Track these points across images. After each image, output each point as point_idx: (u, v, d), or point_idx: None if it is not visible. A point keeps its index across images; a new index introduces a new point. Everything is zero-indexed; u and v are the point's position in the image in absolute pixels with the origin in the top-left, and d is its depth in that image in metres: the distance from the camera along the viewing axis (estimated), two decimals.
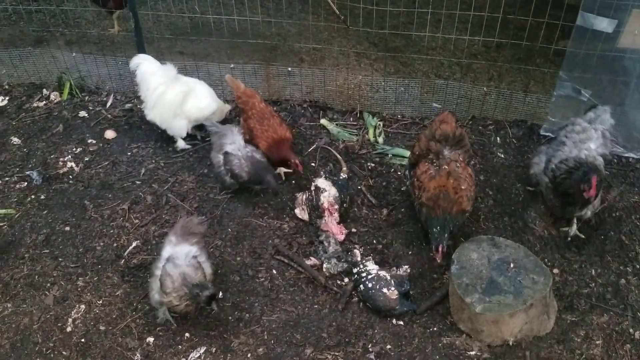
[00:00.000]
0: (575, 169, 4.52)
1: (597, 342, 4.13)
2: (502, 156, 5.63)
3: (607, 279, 4.55)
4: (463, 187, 4.38)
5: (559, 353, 4.06)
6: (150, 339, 4.13)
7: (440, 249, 4.34)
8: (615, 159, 5.55)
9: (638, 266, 4.63)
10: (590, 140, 4.71)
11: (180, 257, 4.03)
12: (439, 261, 4.45)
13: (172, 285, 3.92)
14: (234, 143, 5.05)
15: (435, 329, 4.23)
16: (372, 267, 4.39)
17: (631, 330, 4.20)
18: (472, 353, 4.06)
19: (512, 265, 4.19)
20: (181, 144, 5.61)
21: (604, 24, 4.93)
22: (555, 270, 4.57)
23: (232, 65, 6.21)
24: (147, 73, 5.43)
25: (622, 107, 5.40)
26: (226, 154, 5.00)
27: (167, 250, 4.12)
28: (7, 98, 6.32)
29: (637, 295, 4.42)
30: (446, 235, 4.36)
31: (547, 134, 5.73)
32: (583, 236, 4.81)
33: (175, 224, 4.33)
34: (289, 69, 6.31)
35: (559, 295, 4.40)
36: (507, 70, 6.59)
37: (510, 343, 4.06)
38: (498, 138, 5.83)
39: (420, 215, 4.57)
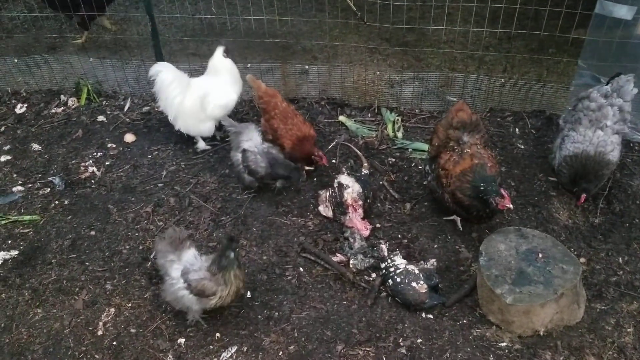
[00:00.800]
0: (577, 171, 4.71)
1: (629, 329, 4.12)
2: (522, 147, 5.62)
3: (634, 267, 4.53)
4: (489, 165, 4.48)
5: (591, 342, 4.05)
6: (182, 340, 4.14)
7: (505, 193, 4.34)
8: (636, 147, 5.54)
9: None
10: (606, 118, 4.74)
11: (194, 262, 4.06)
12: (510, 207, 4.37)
13: (213, 286, 3.94)
14: (250, 140, 5.07)
15: (465, 321, 4.23)
16: (400, 261, 4.40)
17: None
18: (503, 344, 4.05)
19: (540, 255, 4.18)
20: (202, 145, 5.63)
21: (623, 12, 4.92)
22: (582, 259, 4.55)
23: (248, 65, 6.22)
24: (164, 84, 5.43)
25: None
26: (244, 151, 5.02)
27: (176, 268, 4.05)
28: (26, 105, 6.37)
29: None
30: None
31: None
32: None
33: (159, 243, 4.15)
34: (306, 66, 6.32)
35: (587, 284, 4.39)
36: (520, 61, 6.58)
37: (541, 333, 4.06)
38: (517, 129, 5.82)
39: (448, 204, 4.60)
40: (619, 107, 4.78)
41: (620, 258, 4.60)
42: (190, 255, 4.10)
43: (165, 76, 5.41)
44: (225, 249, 3.94)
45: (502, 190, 4.33)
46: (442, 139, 4.72)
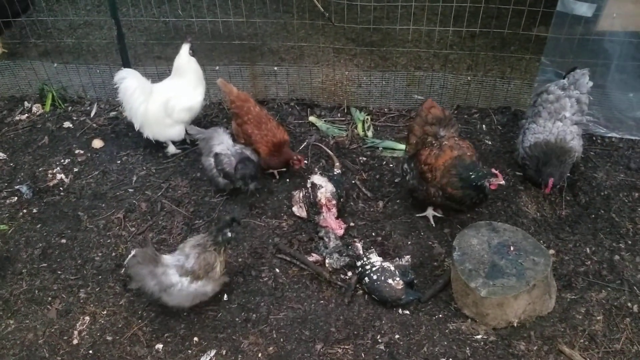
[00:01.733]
0: (539, 158, 4.82)
1: (598, 317, 4.24)
2: (490, 143, 5.73)
3: (601, 256, 4.67)
4: (468, 154, 4.58)
5: (562, 331, 4.15)
6: (159, 346, 4.11)
7: (496, 172, 4.47)
8: (599, 140, 5.71)
9: (630, 242, 4.77)
10: (564, 109, 4.91)
11: (184, 255, 4.13)
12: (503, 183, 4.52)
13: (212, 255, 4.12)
14: (222, 143, 5.06)
15: (440, 315, 4.29)
16: (375, 259, 4.44)
17: (629, 304, 4.32)
18: (479, 337, 4.13)
19: (512, 248, 4.28)
20: (172, 149, 5.59)
21: (584, 9, 5.07)
22: (551, 251, 4.66)
23: (216, 67, 6.19)
24: (127, 92, 5.34)
25: (604, 89, 5.56)
26: (216, 155, 5.00)
27: (172, 275, 4.06)
28: None
29: (632, 270, 4.55)
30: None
31: None
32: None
33: (132, 268, 4.08)
34: (275, 68, 6.32)
35: (557, 275, 4.50)
36: (484, 59, 6.69)
37: (515, 324, 4.15)
38: (484, 126, 5.94)
39: (435, 198, 4.67)
40: (576, 99, 4.95)
41: (587, 248, 4.73)
42: (175, 257, 4.14)
43: (129, 84, 5.32)
44: (224, 227, 4.13)
45: (492, 170, 4.47)
46: (419, 136, 4.81)
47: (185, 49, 5.39)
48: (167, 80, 5.54)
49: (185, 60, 5.39)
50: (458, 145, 4.62)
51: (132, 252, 4.02)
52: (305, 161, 5.39)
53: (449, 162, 4.54)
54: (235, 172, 4.92)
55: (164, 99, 5.36)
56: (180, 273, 4.07)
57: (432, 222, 4.94)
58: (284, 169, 5.35)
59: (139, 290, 4.17)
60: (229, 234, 4.16)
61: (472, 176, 4.43)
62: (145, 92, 5.36)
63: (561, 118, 4.87)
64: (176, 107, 5.37)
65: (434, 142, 4.72)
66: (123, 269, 4.60)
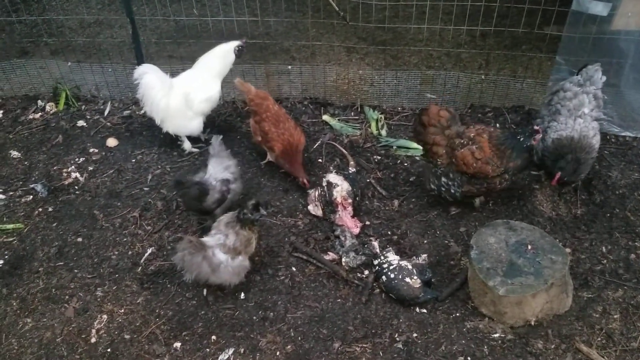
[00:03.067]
0: (558, 152, 4.82)
1: (615, 316, 4.24)
2: None
3: (617, 255, 4.67)
4: (492, 129, 4.80)
5: (580, 329, 4.16)
6: (177, 344, 4.12)
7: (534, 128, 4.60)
8: (613, 139, 5.71)
9: None
10: (583, 105, 4.89)
11: (223, 234, 4.27)
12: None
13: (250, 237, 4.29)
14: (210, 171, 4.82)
15: (458, 314, 4.30)
16: (393, 257, 4.45)
17: None
18: (496, 335, 4.13)
19: (530, 247, 4.28)
20: (188, 146, 5.60)
21: (599, 8, 5.06)
22: (567, 250, 4.65)
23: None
24: (148, 87, 5.34)
25: (618, 88, 5.55)
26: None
27: (219, 254, 4.20)
28: (2, 111, 6.25)
29: None
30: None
31: None
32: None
33: (184, 262, 4.17)
34: (289, 67, 6.33)
35: (573, 274, 4.49)
36: (495, 58, 6.69)
37: (532, 323, 4.15)
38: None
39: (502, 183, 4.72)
40: (593, 95, 4.93)
41: (603, 247, 4.73)
42: (211, 240, 4.25)
43: (150, 79, 5.32)
44: (245, 209, 4.25)
45: (529, 128, 4.60)
46: (445, 144, 4.72)
47: (234, 43, 5.47)
48: (187, 72, 5.57)
49: (228, 48, 5.45)
50: (480, 129, 4.70)
51: (178, 250, 4.12)
52: (319, 159, 5.40)
53: (493, 144, 4.60)
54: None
55: (184, 92, 5.38)
56: (224, 251, 4.19)
57: (478, 205, 5.04)
58: None
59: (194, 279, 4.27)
60: (251, 215, 4.25)
61: (522, 139, 4.56)
62: (165, 86, 5.36)
63: (581, 115, 4.85)
64: (196, 98, 5.39)
65: (462, 141, 4.68)
66: (140, 268, 4.63)
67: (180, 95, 5.39)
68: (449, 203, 5.03)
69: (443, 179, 4.81)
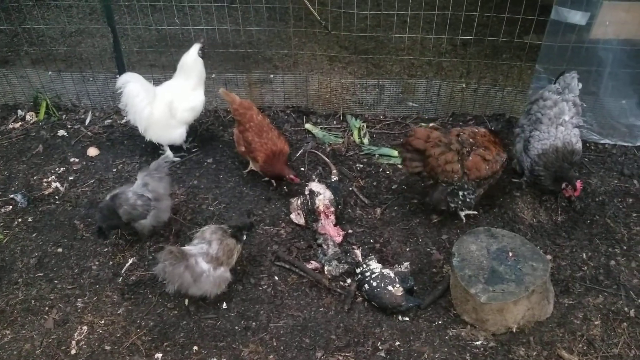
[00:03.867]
0: (552, 166, 4.83)
1: (596, 322, 4.27)
2: None
3: (598, 262, 4.70)
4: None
5: (561, 336, 4.18)
6: (159, 355, 4.08)
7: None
8: (592, 146, 5.77)
9: (625, 247, 4.81)
10: (563, 113, 4.93)
11: (206, 242, 4.28)
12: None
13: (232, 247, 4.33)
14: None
15: (440, 322, 4.31)
16: (375, 265, 4.45)
17: (626, 309, 4.35)
18: (479, 343, 4.14)
19: (511, 254, 4.30)
20: (170, 156, 5.57)
21: (577, 17, 5.13)
22: (548, 257, 4.69)
23: (213, 75, 6.19)
24: (131, 96, 5.31)
25: (597, 96, 5.62)
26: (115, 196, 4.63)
27: (201, 263, 4.19)
28: None
29: (627, 275, 4.59)
30: None
31: None
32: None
33: (166, 273, 4.15)
34: (271, 75, 6.34)
35: (554, 280, 4.52)
36: (476, 67, 6.74)
37: (514, 330, 4.17)
38: None
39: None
40: (572, 102, 4.98)
41: (584, 254, 4.76)
42: (193, 249, 4.25)
43: (133, 87, 5.29)
44: (243, 227, 4.39)
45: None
46: (456, 159, 4.67)
47: (195, 48, 5.41)
48: (170, 81, 5.54)
49: (192, 59, 5.40)
50: (471, 131, 4.83)
51: (159, 261, 4.10)
52: (302, 168, 5.41)
53: (494, 138, 4.83)
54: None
55: (168, 101, 5.36)
56: (206, 260, 4.18)
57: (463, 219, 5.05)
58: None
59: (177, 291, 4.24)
60: (244, 237, 4.42)
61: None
62: (149, 94, 5.34)
63: (562, 122, 4.89)
64: (179, 107, 5.38)
65: (467, 149, 4.70)
66: (120, 278, 4.59)
67: (164, 104, 5.36)
68: (430, 211, 5.08)
69: (460, 193, 4.79)
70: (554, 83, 5.11)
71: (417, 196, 5.26)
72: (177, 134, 5.48)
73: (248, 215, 4.46)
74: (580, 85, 5.03)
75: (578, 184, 4.80)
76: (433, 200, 4.89)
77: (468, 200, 4.82)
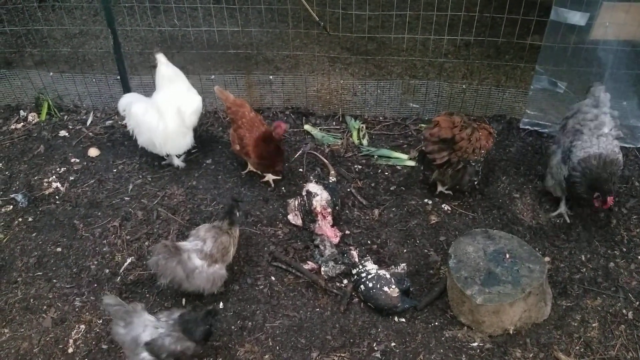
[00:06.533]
0: (591, 173, 4.70)
1: (594, 324, 4.26)
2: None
3: (596, 264, 4.68)
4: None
5: (558, 338, 4.17)
6: None
7: None
8: None
9: (624, 249, 4.78)
10: (604, 125, 4.84)
11: (201, 239, 4.31)
12: None
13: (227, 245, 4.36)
14: (147, 325, 3.81)
15: (436, 323, 4.30)
16: (371, 266, 4.45)
17: (624, 311, 4.33)
18: (475, 344, 4.14)
19: (507, 255, 4.29)
20: (178, 162, 5.56)
21: (577, 18, 5.10)
22: (547, 258, 4.67)
23: (212, 76, 6.21)
24: (140, 114, 5.28)
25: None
26: (148, 344, 3.76)
27: (195, 259, 4.22)
28: None
29: (626, 277, 4.57)
30: None
31: (526, 127, 5.89)
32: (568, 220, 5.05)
33: (159, 266, 4.12)
34: (270, 77, 6.35)
35: (552, 282, 4.51)
36: (479, 68, 6.73)
37: (511, 332, 4.16)
38: None
39: None
40: (610, 115, 4.89)
41: (582, 256, 4.74)
42: (187, 245, 4.29)
43: (139, 106, 5.27)
44: (233, 208, 4.41)
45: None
46: (481, 136, 4.93)
47: (161, 57, 5.34)
48: (159, 93, 5.38)
49: (167, 67, 5.34)
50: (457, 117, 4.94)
51: (153, 254, 4.14)
52: (300, 169, 5.43)
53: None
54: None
55: (176, 108, 5.29)
56: (200, 257, 4.21)
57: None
58: (279, 177, 5.37)
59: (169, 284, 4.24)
60: (238, 214, 4.43)
61: None
62: (154, 109, 5.29)
63: (602, 134, 4.79)
64: (186, 112, 5.32)
65: (472, 129, 4.85)
66: (119, 277, 4.61)
67: (173, 112, 5.27)
68: (428, 213, 5.10)
69: (477, 168, 5.04)
70: (587, 98, 5.00)
71: (415, 197, 5.27)
72: (188, 139, 5.43)
73: (232, 199, 4.50)
74: (609, 95, 4.95)
75: (609, 198, 4.69)
76: (464, 183, 5.08)
77: (480, 172, 5.05)
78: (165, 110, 5.28)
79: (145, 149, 5.50)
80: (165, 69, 5.35)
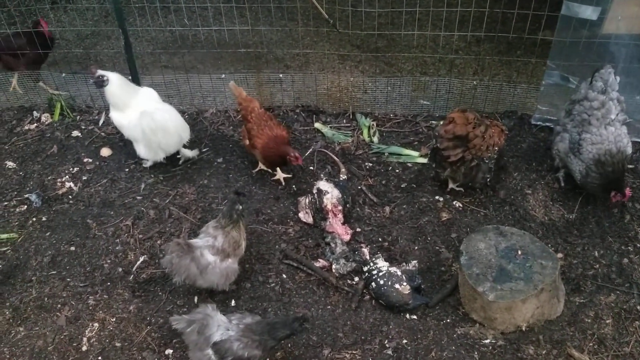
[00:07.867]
0: (607, 177, 4.77)
1: (607, 321, 4.23)
2: None
3: (610, 260, 4.65)
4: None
5: (571, 334, 4.15)
6: (169, 351, 4.14)
7: None
8: None
9: (638, 245, 4.74)
10: (611, 112, 4.82)
11: (211, 236, 4.33)
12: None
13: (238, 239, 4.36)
14: (219, 325, 3.83)
15: (448, 320, 4.30)
16: (382, 264, 4.45)
17: (638, 307, 4.31)
18: (487, 341, 4.13)
19: (519, 252, 4.27)
20: (190, 152, 5.64)
21: (588, 12, 5.07)
22: (559, 255, 4.65)
23: (223, 75, 6.24)
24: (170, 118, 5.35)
25: None
26: (215, 344, 3.77)
27: (207, 256, 4.25)
28: None
29: None
30: None
31: (538, 123, 5.86)
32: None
33: (173, 264, 4.18)
34: (280, 75, 6.36)
35: (565, 279, 4.49)
36: (490, 64, 6.69)
37: (523, 328, 4.15)
38: None
39: None
40: (617, 99, 4.86)
41: (595, 252, 4.71)
42: (199, 242, 4.32)
43: (166, 108, 5.40)
44: (234, 203, 4.33)
45: None
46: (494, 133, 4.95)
47: (110, 74, 5.34)
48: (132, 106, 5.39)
49: (119, 80, 5.37)
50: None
51: (167, 252, 4.19)
52: (311, 167, 5.42)
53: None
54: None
55: (169, 107, 5.43)
56: (212, 252, 4.24)
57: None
58: (290, 175, 5.38)
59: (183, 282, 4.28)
60: (240, 207, 4.34)
61: None
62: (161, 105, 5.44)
63: (609, 122, 4.78)
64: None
65: (485, 127, 4.85)
66: (132, 276, 4.65)
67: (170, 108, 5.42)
68: (439, 210, 5.09)
69: (490, 165, 5.01)
70: (591, 82, 4.93)
71: (426, 194, 5.26)
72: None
73: (235, 193, 4.44)
74: (618, 78, 4.90)
75: (627, 191, 4.78)
76: (477, 180, 5.07)
77: (493, 170, 5.02)
78: (166, 108, 5.40)
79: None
80: (123, 87, 5.40)
